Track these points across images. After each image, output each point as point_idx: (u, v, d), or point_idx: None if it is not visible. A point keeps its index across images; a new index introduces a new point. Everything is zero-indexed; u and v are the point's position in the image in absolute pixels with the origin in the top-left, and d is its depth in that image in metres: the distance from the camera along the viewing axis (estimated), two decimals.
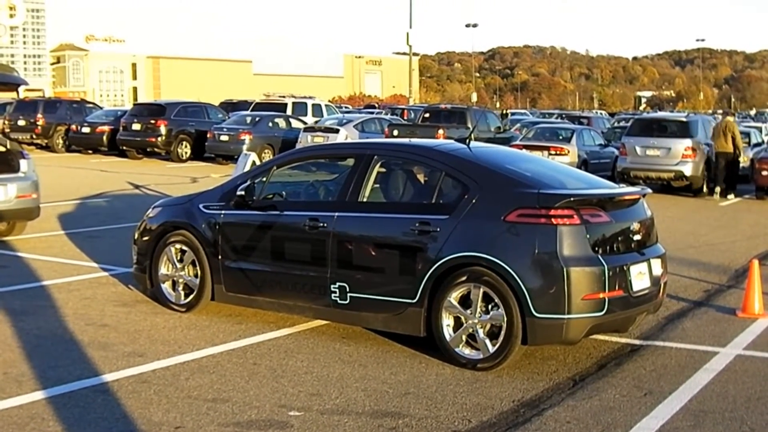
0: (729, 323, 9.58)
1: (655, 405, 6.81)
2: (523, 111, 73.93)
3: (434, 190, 8.28)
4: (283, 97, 41.22)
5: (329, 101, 56.32)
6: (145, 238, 9.78)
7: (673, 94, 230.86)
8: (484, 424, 6.37)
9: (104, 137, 34.40)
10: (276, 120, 33.33)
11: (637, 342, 8.68)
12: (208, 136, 31.87)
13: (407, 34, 61.76)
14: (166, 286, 9.59)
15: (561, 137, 28.00)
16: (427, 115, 32.82)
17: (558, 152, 26.18)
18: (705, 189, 24.26)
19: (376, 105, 69.39)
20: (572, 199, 7.61)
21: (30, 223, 14.33)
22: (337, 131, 30.41)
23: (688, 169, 23.86)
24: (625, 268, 7.73)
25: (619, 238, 7.92)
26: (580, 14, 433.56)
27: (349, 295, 8.27)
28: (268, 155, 29.75)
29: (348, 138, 29.29)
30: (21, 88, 15.20)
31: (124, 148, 33.49)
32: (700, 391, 7.18)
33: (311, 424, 6.28)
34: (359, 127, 31.73)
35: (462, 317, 7.70)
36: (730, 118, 24.73)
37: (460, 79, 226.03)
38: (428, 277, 7.78)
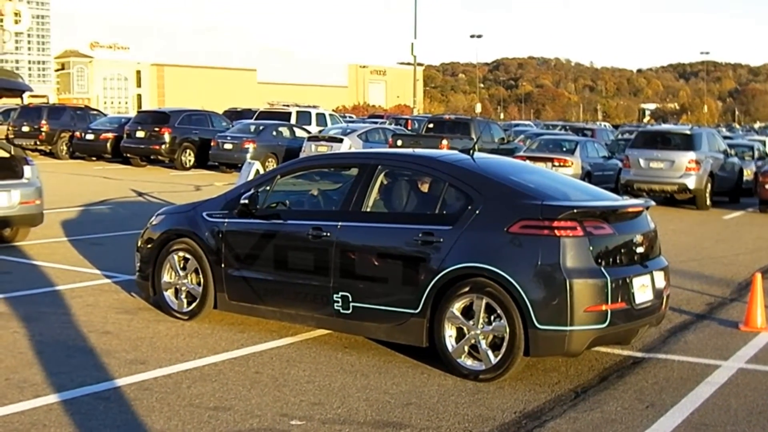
0: (731, 336, 9.57)
1: (657, 418, 6.80)
2: (527, 122, 73.93)
3: (438, 201, 8.28)
4: (288, 106, 41.25)
5: (333, 111, 56.38)
6: (149, 246, 9.78)
7: (677, 107, 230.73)
8: None
9: (108, 144, 34.44)
10: (280, 129, 33.38)
11: (639, 354, 8.68)
12: (212, 144, 31.92)
13: (412, 44, 61.79)
14: (169, 294, 9.59)
15: (565, 149, 28.03)
16: (431, 125, 32.84)
17: (561, 164, 26.21)
18: (709, 202, 24.23)
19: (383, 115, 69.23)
20: (575, 210, 7.61)
21: (33, 229, 14.35)
22: (340, 141, 30.43)
23: (691, 182, 23.83)
24: (627, 280, 7.72)
25: (622, 251, 7.92)
26: (585, 26, 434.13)
27: (351, 304, 8.27)
28: (271, 164, 29.81)
29: (352, 147, 29.31)
30: (25, 95, 15.21)
31: (128, 155, 33.53)
32: (702, 405, 7.17)
33: None
34: (363, 136, 31.75)
35: (464, 328, 7.70)
36: None
37: (464, 90, 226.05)
38: (431, 288, 7.78)
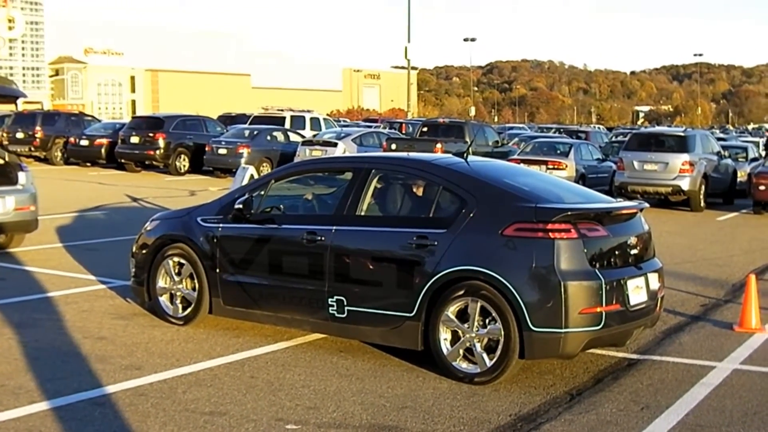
0: (726, 338, 9.59)
1: (652, 419, 6.81)
2: (521, 125, 73.94)
3: (432, 204, 8.28)
4: (282, 110, 41.25)
5: (327, 115, 56.40)
6: (143, 251, 9.78)
7: (671, 109, 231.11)
8: None
9: (102, 150, 34.42)
10: (274, 133, 33.35)
11: (634, 356, 8.69)
12: (207, 149, 31.88)
13: (405, 48, 61.74)
14: (164, 299, 9.59)
15: (559, 152, 28.09)
16: (425, 129, 32.86)
17: (556, 166, 26.25)
18: (702, 204, 24.27)
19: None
20: (569, 213, 7.63)
21: (28, 235, 14.33)
22: (335, 145, 30.44)
23: (685, 184, 23.88)
24: (622, 282, 7.74)
25: (617, 252, 7.94)
26: (578, 29, 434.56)
27: (346, 308, 8.27)
28: (266, 169, 29.79)
29: (346, 152, 29.32)
30: (19, 101, 15.23)
31: (123, 161, 33.48)
32: (697, 406, 7.18)
33: None
34: (357, 140, 31.76)
35: (459, 331, 7.71)
36: None
37: (459, 93, 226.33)
38: (426, 291, 7.79)
